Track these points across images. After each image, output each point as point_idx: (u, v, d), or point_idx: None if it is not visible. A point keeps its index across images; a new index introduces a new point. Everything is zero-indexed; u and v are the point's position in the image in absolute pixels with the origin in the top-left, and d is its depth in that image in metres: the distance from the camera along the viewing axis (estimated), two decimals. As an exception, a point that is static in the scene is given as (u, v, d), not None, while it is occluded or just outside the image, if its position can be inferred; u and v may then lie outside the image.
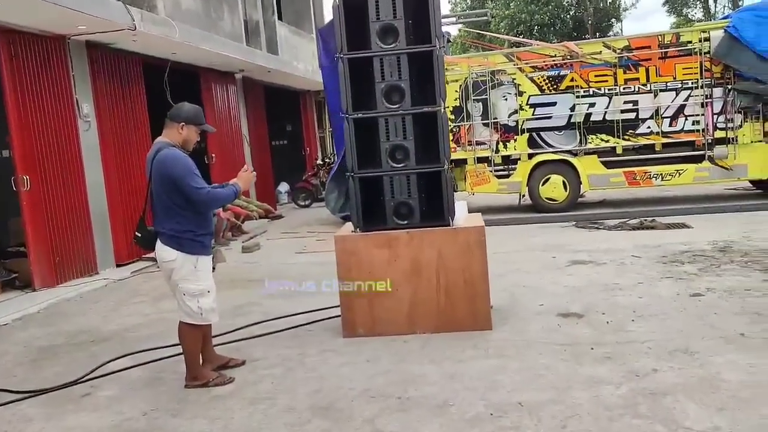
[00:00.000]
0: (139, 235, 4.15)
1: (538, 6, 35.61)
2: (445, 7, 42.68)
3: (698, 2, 48.40)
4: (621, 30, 39.04)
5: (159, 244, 4.04)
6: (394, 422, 3.48)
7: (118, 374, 4.63)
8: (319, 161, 17.66)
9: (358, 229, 5.03)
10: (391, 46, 4.83)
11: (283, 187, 18.14)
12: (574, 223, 10.04)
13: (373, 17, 4.83)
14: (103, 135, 9.21)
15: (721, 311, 4.97)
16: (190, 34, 10.08)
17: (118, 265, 9.17)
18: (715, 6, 47.51)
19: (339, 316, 5.14)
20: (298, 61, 16.52)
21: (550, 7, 35.58)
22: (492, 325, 4.94)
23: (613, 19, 38.46)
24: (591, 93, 11.14)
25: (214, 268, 8.61)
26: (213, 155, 12.64)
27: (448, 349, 4.56)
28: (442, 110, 4.85)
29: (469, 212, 5.46)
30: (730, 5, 46.99)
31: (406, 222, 4.97)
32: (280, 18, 16.67)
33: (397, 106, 4.88)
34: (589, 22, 35.98)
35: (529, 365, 4.16)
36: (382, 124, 4.90)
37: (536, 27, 36.15)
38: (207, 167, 12.39)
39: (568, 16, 37.43)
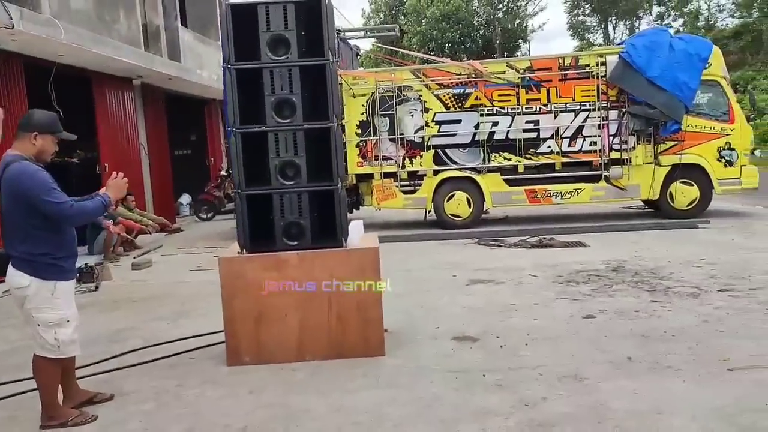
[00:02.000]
0: (-14, 259, 3.68)
1: (449, 24, 36.37)
2: (357, 21, 42.82)
3: (599, 28, 51.22)
4: (529, 50, 40.50)
5: (10, 268, 3.59)
6: (269, 465, 3.21)
7: (-36, 414, 4.09)
8: (224, 172, 17.07)
9: (244, 250, 4.72)
10: (283, 57, 4.58)
11: (185, 198, 17.42)
12: (476, 240, 10.09)
13: (263, 27, 4.57)
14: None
15: (611, 334, 5.00)
16: (79, 36, 9.44)
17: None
18: (614, 32, 50.45)
19: (223, 342, 4.81)
20: (203, 68, 15.93)
21: (461, 26, 36.41)
22: (385, 351, 4.75)
23: (520, 40, 39.76)
24: (495, 112, 11.29)
25: (97, 287, 8.12)
26: (106, 165, 11.89)
27: (337, 379, 4.32)
28: (335, 126, 4.64)
29: (366, 231, 5.26)
30: (627, 32, 49.99)
31: (296, 243, 4.71)
32: (184, 24, 16.04)
33: (288, 120, 4.63)
34: (497, 42, 37.04)
35: (419, 395, 3.99)
36: (271, 139, 4.63)
37: (447, 44, 36.87)
38: (99, 177, 11.67)
39: (477, 35, 38.40)
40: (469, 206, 11.42)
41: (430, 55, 26.85)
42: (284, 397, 4.08)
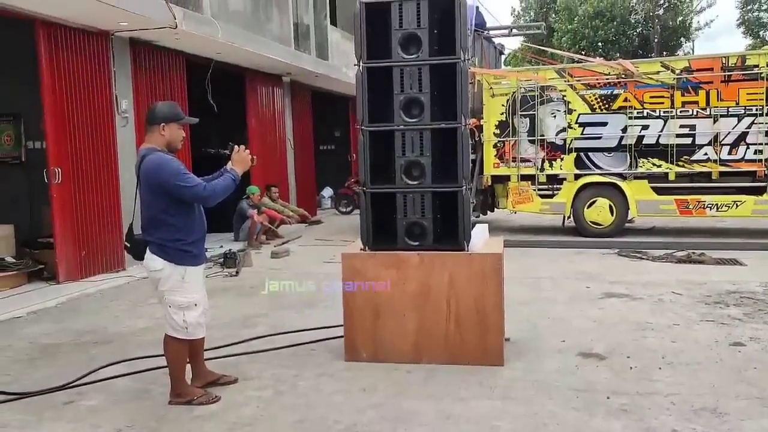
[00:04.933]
0: (128, 245, 3.97)
1: (603, 22, 34.64)
2: (506, 19, 42.02)
3: (776, 24, 46.49)
4: (692, 50, 37.59)
5: (147, 252, 3.86)
6: (372, 466, 3.19)
7: (107, 382, 4.47)
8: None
9: (366, 247, 4.75)
10: (413, 56, 4.55)
11: (327, 191, 18.07)
12: (616, 250, 9.50)
13: (396, 25, 4.55)
14: (140, 132, 9.21)
15: (762, 366, 4.47)
16: (235, 35, 10.02)
17: (146, 263, 9.14)
18: (794, 28, 45.54)
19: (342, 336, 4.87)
20: (349, 67, 16.36)
21: (615, 23, 34.55)
22: (504, 361, 4.58)
23: (682, 38, 37.03)
24: (645, 114, 10.57)
25: (238, 272, 8.59)
26: (254, 157, 12.50)
27: (451, 384, 4.22)
28: (463, 127, 4.52)
29: (499, 234, 5.11)
30: (809, 28, 44.93)
31: (417, 243, 4.66)
32: (333, 23, 16.56)
33: (416, 119, 4.59)
34: (656, 40, 34.76)
35: (534, 411, 3.79)
36: (398, 138, 4.61)
37: (600, 43, 35.16)
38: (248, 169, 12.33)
39: (634, 33, 36.26)
40: (612, 214, 10.79)
41: (581, 54, 25.75)
42: (395, 398, 4.05)
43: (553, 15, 37.52)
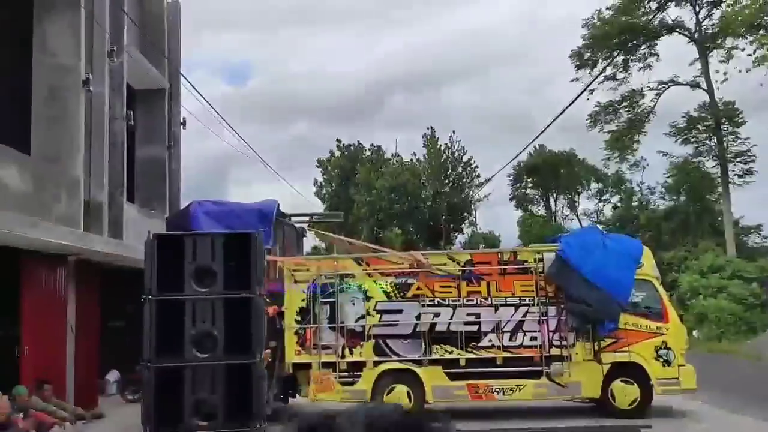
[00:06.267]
0: None
1: (398, 196, 37.78)
2: (310, 189, 44.12)
3: (541, 200, 53.99)
4: (475, 219, 42.03)
5: None
6: None
7: None
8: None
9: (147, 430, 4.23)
10: (207, 289, 4.43)
11: (113, 375, 16.31)
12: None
13: (189, 258, 4.45)
14: None
15: None
16: (12, 220, 9.22)
17: None
18: (555, 204, 53.18)
19: None
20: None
21: (408, 198, 37.85)
22: None
23: (465, 213, 41.37)
24: (436, 303, 11.27)
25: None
26: (26, 348, 11.17)
27: None
28: (258, 362, 4.40)
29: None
30: (567, 205, 52.80)
31: (206, 423, 4.25)
32: (132, 198, 16.06)
33: (208, 354, 4.38)
34: (443, 216, 38.43)
35: None
36: (188, 375, 4.34)
37: (396, 214, 38.07)
38: (17, 360, 10.92)
39: (425, 206, 39.85)
40: (410, 400, 10.99)
41: (378, 224, 27.70)
42: None
43: (353, 188, 40.17)
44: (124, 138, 15.47)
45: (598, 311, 10.76)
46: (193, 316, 4.19)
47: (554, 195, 53.09)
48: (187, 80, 20.35)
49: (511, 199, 53.00)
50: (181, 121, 19.91)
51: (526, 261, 11.34)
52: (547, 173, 49.39)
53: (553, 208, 52.29)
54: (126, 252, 13.68)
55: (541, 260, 11.24)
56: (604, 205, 47.98)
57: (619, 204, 45.23)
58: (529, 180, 52.20)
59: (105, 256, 13.21)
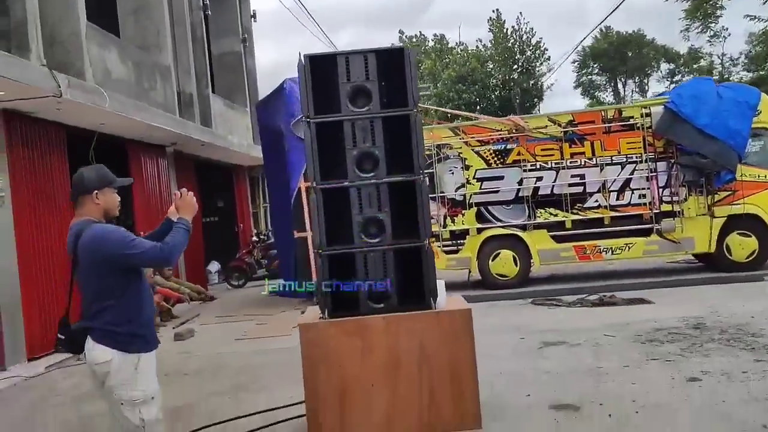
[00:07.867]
0: (62, 337, 3.31)
1: (465, 85, 36.76)
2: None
3: (609, 86, 51.75)
4: (539, 109, 40.76)
5: (90, 342, 3.23)
6: None
7: None
8: (254, 238, 16.81)
9: (325, 315, 4.34)
10: (364, 109, 4.33)
11: (214, 266, 17.05)
12: (530, 300, 9.63)
13: (343, 79, 4.33)
14: (18, 213, 8.20)
15: (729, 398, 4.51)
16: (122, 103, 9.36)
17: (30, 359, 8.00)
18: (624, 90, 50.91)
19: (302, 416, 4.38)
20: (233, 134, 15.94)
21: (477, 87, 36.77)
22: (482, 424, 4.29)
23: (536, 99, 40.04)
24: (538, 167, 11.01)
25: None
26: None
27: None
28: (422, 180, 4.34)
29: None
30: (637, 89, 50.46)
31: (381, 306, 4.33)
32: (213, 91, 16.13)
33: (370, 174, 4.33)
34: (517, 101, 37.31)
35: (540, 476, 3.52)
36: (354, 194, 4.32)
37: (463, 106, 37.18)
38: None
39: (494, 95, 38.73)
40: (516, 265, 11.00)
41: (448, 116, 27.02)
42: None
43: (419, 80, 39.31)
44: (203, 30, 15.38)
45: (715, 163, 10.29)
46: (354, 136, 4.14)
47: (622, 79, 50.73)
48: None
49: (576, 87, 51.07)
50: (252, 13, 19.62)
51: (632, 117, 10.84)
52: (614, 57, 47.01)
53: (622, 93, 50.09)
54: (217, 141, 13.89)
55: (648, 115, 10.73)
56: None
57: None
58: (595, 65, 49.94)
59: (200, 145, 13.44)
